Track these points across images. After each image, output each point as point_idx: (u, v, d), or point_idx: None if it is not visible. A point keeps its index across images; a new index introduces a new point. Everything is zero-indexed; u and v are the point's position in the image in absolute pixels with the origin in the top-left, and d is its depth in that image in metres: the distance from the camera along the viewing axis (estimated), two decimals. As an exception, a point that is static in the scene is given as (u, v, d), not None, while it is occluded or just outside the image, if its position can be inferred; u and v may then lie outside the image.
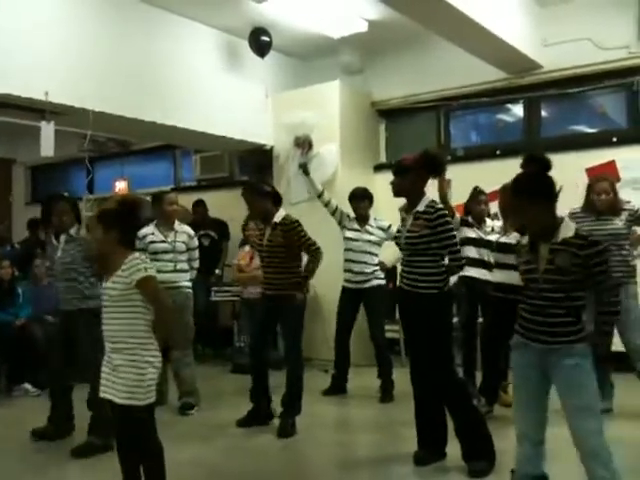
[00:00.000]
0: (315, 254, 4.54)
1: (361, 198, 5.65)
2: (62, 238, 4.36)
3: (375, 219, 5.69)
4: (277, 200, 4.61)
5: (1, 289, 6.04)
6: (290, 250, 4.50)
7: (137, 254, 3.04)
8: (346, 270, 5.58)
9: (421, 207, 3.67)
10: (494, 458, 3.57)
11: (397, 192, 3.82)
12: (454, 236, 3.69)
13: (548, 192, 2.71)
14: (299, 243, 4.51)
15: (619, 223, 4.65)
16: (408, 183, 3.73)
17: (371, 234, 5.59)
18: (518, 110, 7.21)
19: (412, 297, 3.69)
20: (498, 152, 6.74)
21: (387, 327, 6.92)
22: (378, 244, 5.62)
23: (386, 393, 5.43)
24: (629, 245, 4.72)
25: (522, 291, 2.81)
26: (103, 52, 5.87)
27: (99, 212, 3.07)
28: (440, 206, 3.72)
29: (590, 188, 4.71)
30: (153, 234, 5.06)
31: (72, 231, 4.33)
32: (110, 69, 5.90)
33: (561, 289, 2.65)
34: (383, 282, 5.65)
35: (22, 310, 6.06)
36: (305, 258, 4.67)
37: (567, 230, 2.70)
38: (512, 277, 3.86)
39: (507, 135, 7.24)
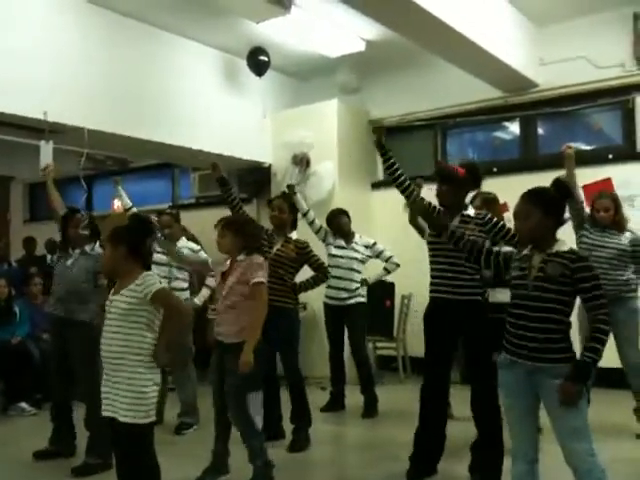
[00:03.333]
0: (324, 272, 4.78)
1: (340, 215, 5.68)
2: (76, 252, 4.29)
3: (360, 237, 5.71)
4: (295, 220, 4.79)
5: (-2, 308, 6.02)
6: (295, 265, 4.61)
7: (151, 272, 3.08)
8: (329, 286, 5.54)
9: (470, 212, 3.71)
10: (499, 476, 3.55)
11: (445, 199, 3.76)
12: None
13: (560, 213, 2.81)
14: (311, 261, 4.65)
15: (624, 240, 4.67)
16: (457, 191, 3.72)
17: (356, 251, 5.63)
18: (514, 128, 7.26)
19: (457, 305, 3.66)
20: (495, 169, 6.77)
21: (385, 344, 6.97)
22: (362, 262, 5.66)
23: (369, 408, 5.46)
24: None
25: (510, 306, 2.81)
26: (102, 72, 5.92)
27: (110, 232, 3.12)
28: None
29: (593, 205, 4.78)
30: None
31: (87, 247, 4.28)
32: (109, 88, 5.96)
33: (549, 299, 2.65)
34: (364, 299, 5.67)
35: (19, 329, 6.03)
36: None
37: (562, 245, 2.74)
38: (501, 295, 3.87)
39: (504, 153, 7.29)
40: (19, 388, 5.77)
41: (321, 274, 4.76)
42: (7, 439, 5.01)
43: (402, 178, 3.87)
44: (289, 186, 5.87)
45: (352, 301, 5.54)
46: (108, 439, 3.13)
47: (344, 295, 5.49)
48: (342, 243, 5.63)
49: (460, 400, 3.95)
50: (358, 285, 5.55)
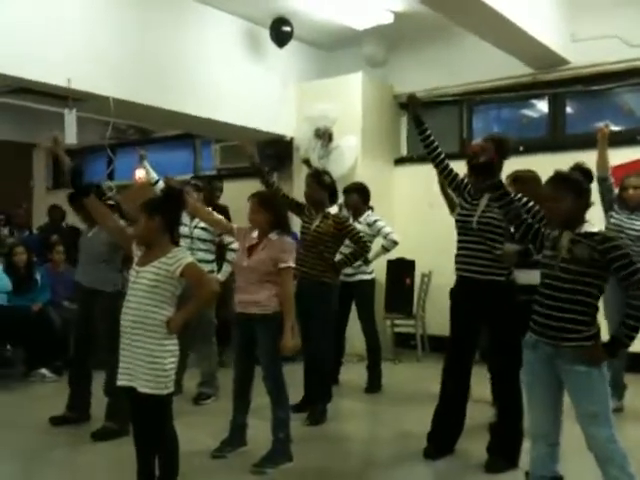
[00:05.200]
0: (364, 246, 4.75)
1: (350, 192, 5.63)
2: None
3: (369, 214, 5.64)
4: (333, 194, 4.74)
5: (18, 275, 6.06)
6: (335, 241, 4.61)
7: (182, 247, 3.10)
8: None
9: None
10: (518, 458, 3.54)
11: (476, 184, 3.66)
12: None
13: (587, 195, 2.80)
14: (351, 234, 4.66)
15: None
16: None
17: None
18: (543, 106, 7.10)
19: (483, 285, 3.61)
20: (521, 148, 6.64)
21: (403, 321, 6.94)
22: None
23: (373, 384, 5.51)
24: None
25: (539, 286, 2.79)
26: (125, 40, 5.87)
27: (145, 201, 3.12)
28: None
29: (621, 184, 4.70)
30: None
31: None
32: (131, 57, 5.90)
33: (576, 280, 2.63)
34: (370, 277, 5.63)
35: (40, 295, 6.08)
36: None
37: (590, 227, 2.72)
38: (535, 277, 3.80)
39: (531, 131, 7.14)
40: (40, 355, 5.84)
41: (360, 248, 4.74)
42: (27, 405, 5.09)
43: (438, 151, 3.79)
44: (304, 159, 5.82)
45: (357, 278, 5.50)
46: (126, 407, 3.15)
47: (349, 271, 5.44)
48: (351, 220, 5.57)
49: (478, 380, 3.91)
50: (360, 262, 5.44)
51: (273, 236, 3.70)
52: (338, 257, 4.76)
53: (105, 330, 4.13)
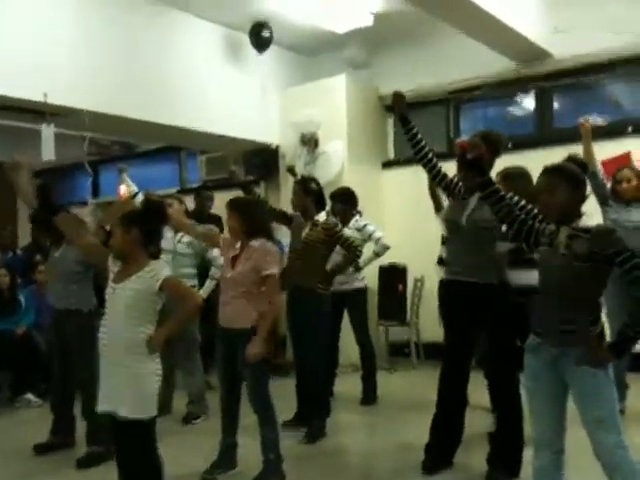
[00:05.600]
0: (355, 252, 4.61)
1: (335, 198, 5.42)
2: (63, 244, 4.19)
3: (357, 220, 5.50)
4: (320, 201, 4.61)
5: (1, 297, 5.90)
6: (325, 248, 4.48)
7: (159, 260, 2.95)
8: None
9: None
10: (519, 469, 3.40)
11: (467, 179, 3.50)
12: None
13: (583, 187, 2.68)
14: (341, 241, 4.51)
15: None
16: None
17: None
18: (529, 101, 6.99)
19: (474, 288, 3.46)
20: (510, 145, 6.51)
21: (396, 329, 6.79)
22: None
23: (369, 395, 5.36)
24: None
25: (538, 285, 2.66)
26: (101, 51, 5.73)
27: (122, 214, 3.00)
28: None
29: (614, 178, 4.61)
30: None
31: None
32: (109, 69, 5.77)
33: (576, 277, 2.49)
34: (362, 284, 5.48)
35: (23, 318, 5.92)
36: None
37: (588, 220, 2.59)
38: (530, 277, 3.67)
39: (518, 127, 7.03)
40: (25, 379, 5.68)
41: (352, 254, 4.61)
42: (12, 431, 4.93)
43: (425, 150, 3.64)
44: (289, 167, 5.72)
45: (349, 286, 5.34)
46: (107, 428, 3.00)
47: (341, 279, 5.30)
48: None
49: (475, 387, 3.77)
50: (351, 270, 5.31)
51: (254, 243, 3.56)
52: (329, 265, 4.61)
53: (81, 351, 4.01)
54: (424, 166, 3.69)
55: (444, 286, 3.69)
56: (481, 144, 3.01)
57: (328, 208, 5.34)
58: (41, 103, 5.28)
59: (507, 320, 3.47)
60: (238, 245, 3.62)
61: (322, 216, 4.58)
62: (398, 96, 3.74)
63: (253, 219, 3.60)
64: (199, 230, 4.11)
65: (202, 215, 7.04)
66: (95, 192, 10.05)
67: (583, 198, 2.65)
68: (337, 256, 4.73)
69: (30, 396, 5.59)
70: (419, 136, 3.66)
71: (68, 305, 4.15)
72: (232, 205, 3.65)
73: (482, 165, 2.95)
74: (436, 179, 3.71)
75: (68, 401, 4.30)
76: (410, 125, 3.67)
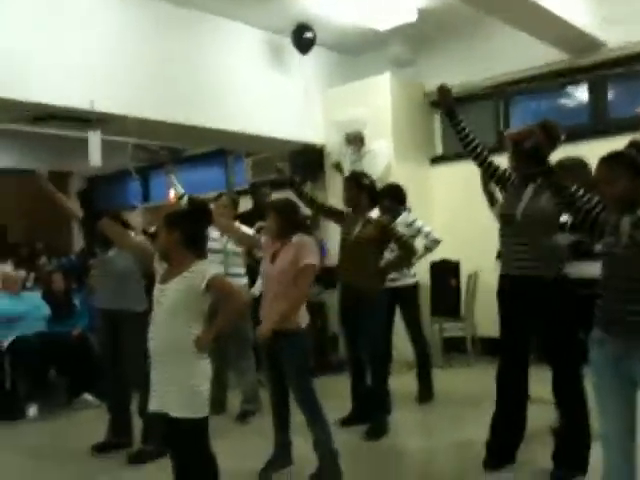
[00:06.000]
0: (410, 250, 4.53)
1: (382, 195, 5.21)
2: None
3: (405, 216, 5.40)
4: (374, 197, 4.53)
5: (57, 302, 6.03)
6: (378, 245, 4.41)
7: (206, 260, 2.94)
8: None
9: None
10: (586, 467, 3.28)
11: (520, 170, 3.47)
12: None
13: None
14: (396, 238, 4.43)
15: None
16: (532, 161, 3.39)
17: None
18: (582, 92, 6.80)
19: (532, 282, 3.37)
20: (563, 137, 6.34)
21: (451, 325, 6.68)
22: None
23: (425, 392, 5.28)
24: None
25: (601, 276, 2.53)
26: (146, 58, 5.81)
27: (166, 214, 3.01)
28: None
29: None
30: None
31: None
32: (154, 76, 5.84)
33: None
34: (413, 280, 5.37)
35: (79, 321, 6.03)
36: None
37: None
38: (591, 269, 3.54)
39: (572, 119, 6.83)
40: (82, 380, 5.76)
41: (407, 252, 4.52)
42: (70, 432, 5.00)
43: (475, 143, 3.56)
44: (334, 163, 5.65)
45: (400, 283, 5.24)
46: (160, 426, 3.02)
47: (392, 276, 5.22)
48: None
49: (537, 380, 3.66)
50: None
51: (294, 239, 3.56)
52: (382, 263, 4.53)
53: (135, 351, 4.02)
54: (475, 159, 3.60)
55: (501, 280, 3.60)
56: (537, 131, 2.90)
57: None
58: (88, 111, 5.37)
59: (566, 313, 3.37)
60: (278, 243, 3.62)
61: (375, 213, 4.52)
62: (444, 90, 3.66)
63: (287, 217, 3.60)
64: (240, 233, 4.12)
65: (259, 212, 7.09)
66: (146, 197, 10.21)
67: None
68: (389, 254, 4.67)
69: (88, 397, 5.68)
70: (467, 130, 3.58)
71: (120, 306, 4.19)
72: (270, 206, 3.71)
73: (540, 154, 2.85)
74: (488, 172, 3.63)
75: (124, 401, 4.34)
76: (458, 119, 3.60)
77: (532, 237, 3.37)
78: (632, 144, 3.38)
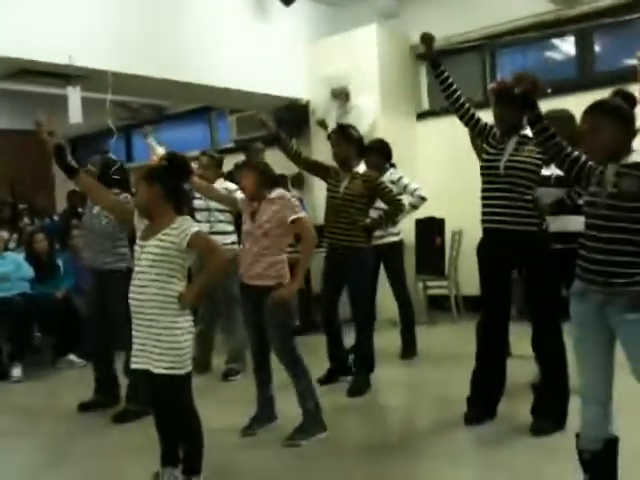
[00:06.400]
0: (397, 205, 4.46)
1: (368, 151, 5.16)
2: None
3: (391, 173, 5.35)
4: (361, 151, 4.46)
5: (40, 262, 5.96)
6: (366, 202, 4.35)
7: (187, 217, 2.90)
8: None
9: (529, 131, 3.28)
10: (565, 420, 3.32)
11: (501, 121, 3.43)
12: None
13: (631, 120, 2.49)
14: (382, 194, 4.37)
15: None
16: (514, 110, 3.29)
17: None
18: (569, 44, 6.70)
19: (514, 236, 3.36)
20: (549, 90, 6.25)
21: (436, 283, 6.70)
22: None
23: (408, 349, 5.32)
24: None
25: (584, 227, 2.50)
26: (125, 11, 5.65)
27: (144, 169, 2.96)
28: None
29: None
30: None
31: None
32: (132, 28, 5.68)
33: (625, 218, 2.34)
34: (398, 238, 5.35)
35: (63, 282, 5.99)
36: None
37: (638, 156, 2.40)
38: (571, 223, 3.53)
39: (559, 72, 6.75)
40: (67, 341, 5.77)
41: (394, 208, 4.45)
42: (56, 392, 5.03)
43: (457, 94, 3.51)
44: (319, 121, 5.55)
45: (385, 240, 5.22)
46: (142, 386, 3.02)
47: (377, 234, 5.20)
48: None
49: (518, 336, 3.68)
50: None
51: (272, 195, 3.52)
52: (369, 219, 4.49)
53: (121, 310, 3.99)
54: (456, 111, 3.56)
55: (482, 234, 3.57)
56: (527, 76, 2.80)
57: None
58: (66, 66, 5.23)
59: (547, 267, 3.37)
60: (255, 203, 3.57)
61: (362, 167, 4.44)
62: (427, 39, 3.59)
63: (262, 173, 3.56)
64: (216, 192, 4.06)
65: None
66: (128, 157, 10.07)
67: (632, 134, 2.46)
68: (374, 212, 4.62)
69: (73, 357, 5.69)
70: (450, 80, 3.53)
71: (105, 264, 4.17)
72: (241, 165, 3.71)
73: (532, 99, 2.78)
74: (470, 124, 3.58)
75: (109, 360, 4.35)
76: (441, 69, 3.55)
77: (515, 190, 3.34)
78: (616, 92, 3.33)
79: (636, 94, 4.08)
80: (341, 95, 6.87)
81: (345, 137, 4.40)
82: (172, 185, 2.88)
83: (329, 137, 4.59)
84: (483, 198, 3.49)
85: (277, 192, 3.54)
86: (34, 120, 3.42)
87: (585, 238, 2.48)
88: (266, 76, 6.81)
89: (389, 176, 5.33)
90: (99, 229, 4.19)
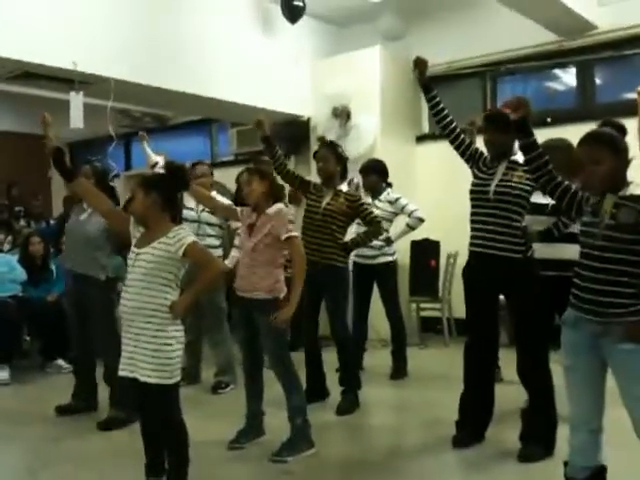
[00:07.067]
0: (377, 227, 4.47)
1: (367, 171, 5.36)
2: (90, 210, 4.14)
3: (388, 193, 5.38)
4: (345, 170, 4.48)
5: (34, 265, 5.95)
6: (345, 220, 4.35)
7: (184, 226, 2.91)
8: None
9: (519, 157, 3.33)
10: (553, 447, 3.31)
11: (496, 148, 3.45)
12: None
13: (625, 150, 2.51)
14: (363, 214, 4.38)
15: None
16: (510, 140, 3.36)
17: (379, 208, 5.24)
18: (570, 75, 6.77)
19: (499, 262, 3.36)
20: (549, 120, 6.33)
21: (428, 305, 6.70)
22: (386, 219, 5.22)
23: (398, 370, 5.30)
24: None
25: (579, 257, 2.52)
26: (131, 20, 5.67)
27: (142, 177, 2.96)
28: None
29: None
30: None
31: None
32: (138, 38, 5.69)
33: (621, 249, 2.36)
34: (393, 258, 5.36)
35: (55, 286, 5.95)
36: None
37: (637, 189, 2.43)
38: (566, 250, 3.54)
39: (559, 102, 6.82)
40: (56, 345, 5.72)
41: (374, 228, 4.47)
42: (41, 396, 4.97)
43: (448, 119, 3.56)
44: (320, 138, 5.58)
45: (380, 260, 5.25)
46: (129, 392, 3.00)
47: (371, 253, 5.21)
48: (367, 200, 5.30)
49: (509, 362, 3.69)
50: (382, 243, 5.20)
51: (270, 211, 3.52)
52: (349, 237, 4.50)
53: (100, 317, 4.05)
54: (447, 136, 3.61)
55: (469, 257, 3.59)
56: (526, 103, 2.83)
57: (354, 178, 5.28)
58: (69, 71, 5.25)
59: (532, 295, 3.37)
60: (254, 215, 3.57)
61: (344, 186, 4.46)
62: (420, 63, 3.62)
63: (272, 184, 3.58)
64: (219, 204, 4.06)
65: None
66: (127, 165, 10.09)
67: (627, 164, 2.49)
68: (359, 228, 4.64)
69: (61, 362, 5.66)
70: (442, 105, 3.59)
71: (87, 271, 4.14)
72: (250, 171, 3.66)
73: (528, 125, 2.80)
74: (460, 149, 3.60)
75: (89, 365, 4.34)
76: (433, 93, 3.60)
77: (503, 216, 3.36)
78: (605, 123, 3.36)
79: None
80: (342, 114, 6.92)
81: (334, 154, 4.41)
82: (169, 194, 2.89)
83: (316, 153, 4.57)
84: (472, 222, 3.51)
85: (276, 207, 3.53)
86: (40, 117, 3.42)
87: (580, 267, 2.49)
88: (268, 91, 6.85)
89: (386, 196, 5.37)
90: (84, 235, 4.15)
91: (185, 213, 4.75)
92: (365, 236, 4.54)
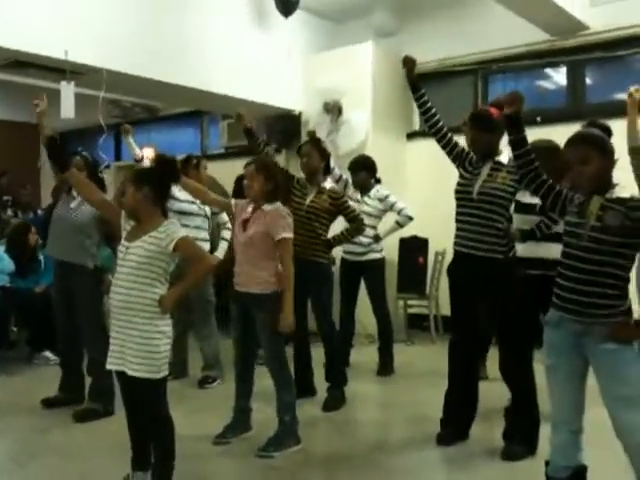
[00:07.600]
0: (359, 224, 4.50)
1: (357, 169, 5.36)
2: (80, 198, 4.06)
3: (378, 190, 5.39)
4: (328, 166, 4.50)
5: (21, 256, 5.93)
6: (329, 217, 4.36)
7: (174, 220, 2.93)
8: None
9: (504, 158, 3.38)
10: (535, 446, 3.35)
11: (477, 146, 3.47)
12: None
13: (612, 151, 2.52)
14: (346, 212, 4.40)
15: None
16: (495, 140, 3.40)
17: (368, 205, 5.30)
18: (561, 74, 6.80)
19: (481, 262, 3.39)
20: (539, 119, 6.36)
21: (416, 302, 6.73)
22: (375, 216, 5.31)
23: (385, 366, 5.32)
24: None
25: (562, 256, 2.54)
26: (124, 11, 5.62)
27: (133, 171, 2.96)
28: None
29: None
30: (179, 192, 4.60)
31: None
32: (131, 28, 5.65)
33: (606, 251, 2.38)
34: (380, 255, 5.38)
35: (43, 277, 5.92)
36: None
37: (623, 191, 2.46)
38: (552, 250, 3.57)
39: (549, 101, 6.85)
40: (43, 337, 5.69)
41: (356, 226, 4.50)
42: (28, 387, 4.97)
43: (435, 118, 3.59)
44: (309, 132, 5.57)
45: (368, 257, 5.27)
46: (111, 386, 3.01)
47: (359, 250, 5.23)
48: (357, 196, 5.34)
49: (495, 360, 3.70)
50: (370, 240, 5.24)
51: (267, 207, 3.50)
52: (332, 234, 4.50)
53: (87, 308, 4.04)
54: (434, 134, 3.63)
55: (453, 256, 3.62)
56: (520, 98, 2.82)
57: (342, 174, 5.26)
58: (61, 60, 5.21)
59: (513, 294, 3.40)
60: (250, 209, 3.56)
61: (328, 183, 4.47)
62: (409, 61, 3.65)
63: (275, 185, 3.54)
64: (211, 196, 4.05)
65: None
66: (118, 155, 10.05)
67: (613, 165, 2.51)
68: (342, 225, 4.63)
69: (48, 354, 5.64)
70: (430, 104, 3.62)
71: (75, 259, 4.11)
72: (258, 166, 3.56)
73: (521, 121, 2.81)
74: (447, 148, 3.63)
75: (75, 357, 4.32)
76: (421, 92, 3.63)
77: (487, 217, 3.38)
78: (590, 123, 3.39)
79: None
80: (334, 109, 6.92)
81: (318, 149, 4.42)
82: (161, 187, 2.89)
83: (300, 148, 4.55)
84: (456, 221, 3.54)
85: (274, 206, 3.51)
86: (34, 105, 3.36)
87: (563, 267, 2.51)
88: (260, 84, 6.83)
89: (376, 193, 5.39)
90: (74, 222, 4.11)
91: (186, 206, 4.79)
92: (348, 233, 4.56)
